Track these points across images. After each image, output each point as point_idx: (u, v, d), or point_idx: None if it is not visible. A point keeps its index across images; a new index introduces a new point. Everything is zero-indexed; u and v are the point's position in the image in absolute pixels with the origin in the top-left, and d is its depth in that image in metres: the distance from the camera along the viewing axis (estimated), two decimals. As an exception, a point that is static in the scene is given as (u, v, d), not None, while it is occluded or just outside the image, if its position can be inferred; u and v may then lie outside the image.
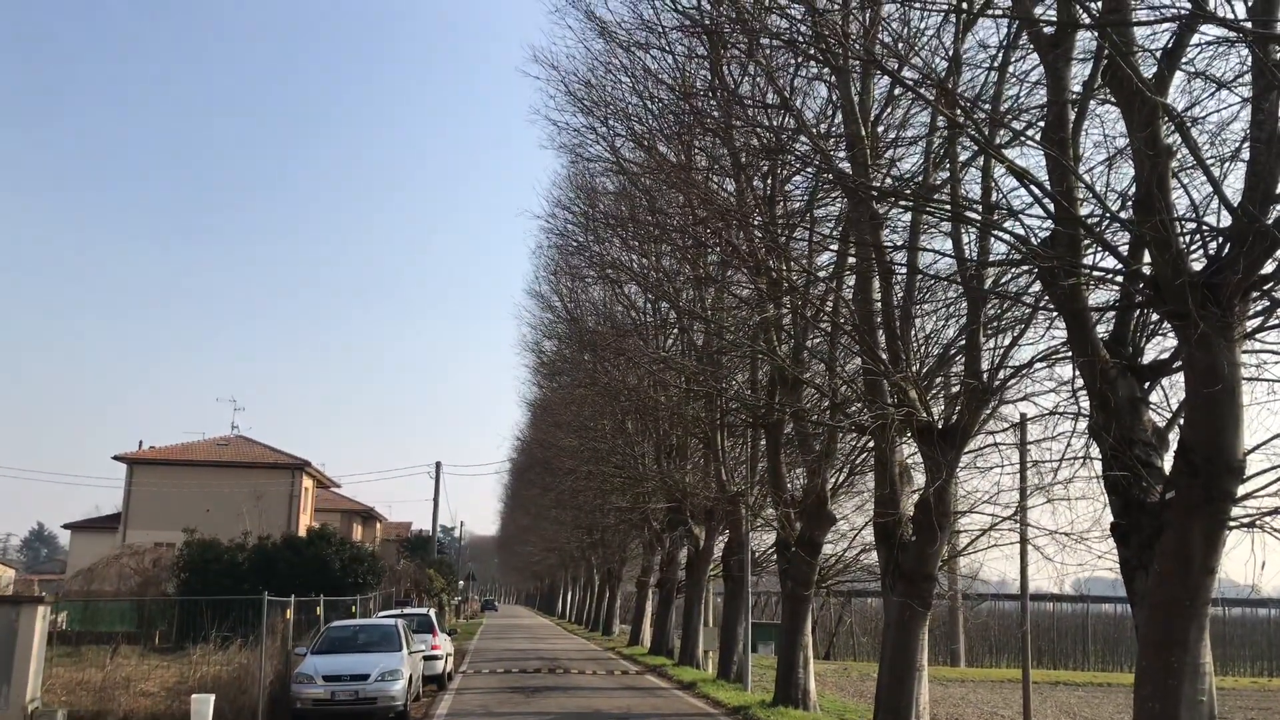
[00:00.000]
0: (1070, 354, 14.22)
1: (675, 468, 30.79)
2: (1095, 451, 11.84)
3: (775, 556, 22.82)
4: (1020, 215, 11.87)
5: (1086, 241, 10.77)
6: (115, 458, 49.87)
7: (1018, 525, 15.38)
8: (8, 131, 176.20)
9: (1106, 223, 10.39)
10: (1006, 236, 12.06)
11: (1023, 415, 16.04)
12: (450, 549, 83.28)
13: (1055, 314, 14.97)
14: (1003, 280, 14.54)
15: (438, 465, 60.89)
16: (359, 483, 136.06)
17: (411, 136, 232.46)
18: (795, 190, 21.95)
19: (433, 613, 26.50)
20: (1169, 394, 11.55)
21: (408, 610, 26.61)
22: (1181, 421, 11.21)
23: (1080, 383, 13.16)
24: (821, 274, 19.39)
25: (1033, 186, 10.36)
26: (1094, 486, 13.53)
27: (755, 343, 20.92)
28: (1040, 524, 15.04)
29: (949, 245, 16.14)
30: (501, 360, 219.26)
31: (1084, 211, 10.93)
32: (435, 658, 22.82)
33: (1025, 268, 12.90)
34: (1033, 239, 11.62)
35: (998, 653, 47.59)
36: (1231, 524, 9.32)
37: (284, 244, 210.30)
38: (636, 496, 33.27)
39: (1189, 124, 9.30)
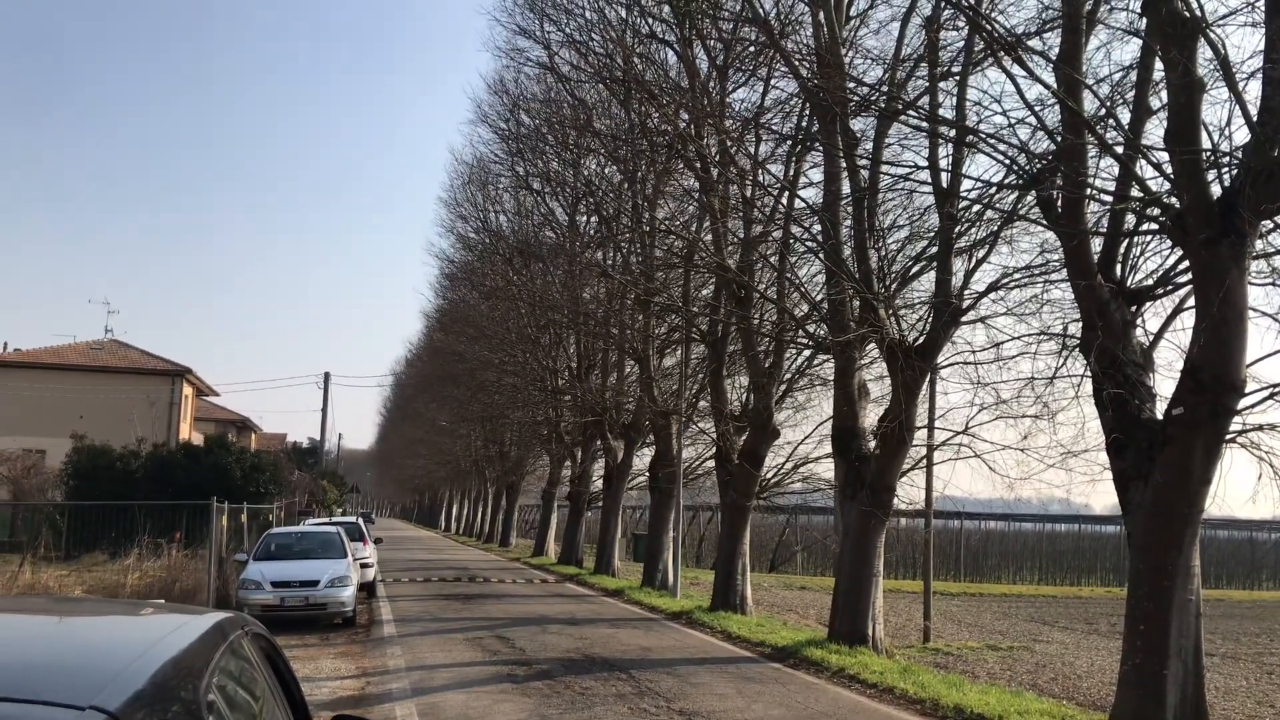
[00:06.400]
0: (1033, 278, 14.91)
1: (597, 382, 30.89)
2: (1076, 370, 12.49)
3: (715, 469, 23.23)
4: (1016, 128, 12.17)
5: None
6: (-25, 360, 46.88)
7: (971, 440, 16.05)
8: None
9: (1122, 150, 10.76)
10: (996, 154, 12.29)
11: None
12: (327, 461, 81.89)
13: (1017, 238, 15.55)
14: (976, 198, 14.86)
15: (326, 376, 59.46)
16: (234, 392, 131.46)
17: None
18: (743, 104, 21.94)
19: (362, 521, 26.17)
20: (1145, 318, 12.23)
21: (336, 519, 26.10)
22: (1163, 342, 11.93)
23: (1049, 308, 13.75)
24: (775, 185, 19.55)
25: (1039, 94, 10.62)
26: (1048, 408, 14.29)
27: (699, 254, 21.02)
28: (993, 440, 15.79)
29: (909, 158, 16.48)
30: (389, 276, 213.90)
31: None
32: (368, 565, 22.61)
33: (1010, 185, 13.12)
34: (1022, 159, 12.01)
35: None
36: (1227, 438, 10.00)
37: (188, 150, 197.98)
38: (553, 410, 33.31)
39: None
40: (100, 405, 44.18)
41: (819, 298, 18.10)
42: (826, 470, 21.97)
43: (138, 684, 1.85)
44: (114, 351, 51.27)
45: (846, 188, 16.27)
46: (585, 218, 29.84)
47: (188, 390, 51.99)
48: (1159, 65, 10.49)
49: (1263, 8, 9.45)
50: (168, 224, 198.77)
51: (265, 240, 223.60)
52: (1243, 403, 9.96)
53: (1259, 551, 50.39)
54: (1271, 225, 10.05)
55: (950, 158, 14.57)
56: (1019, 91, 11.34)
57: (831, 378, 18.61)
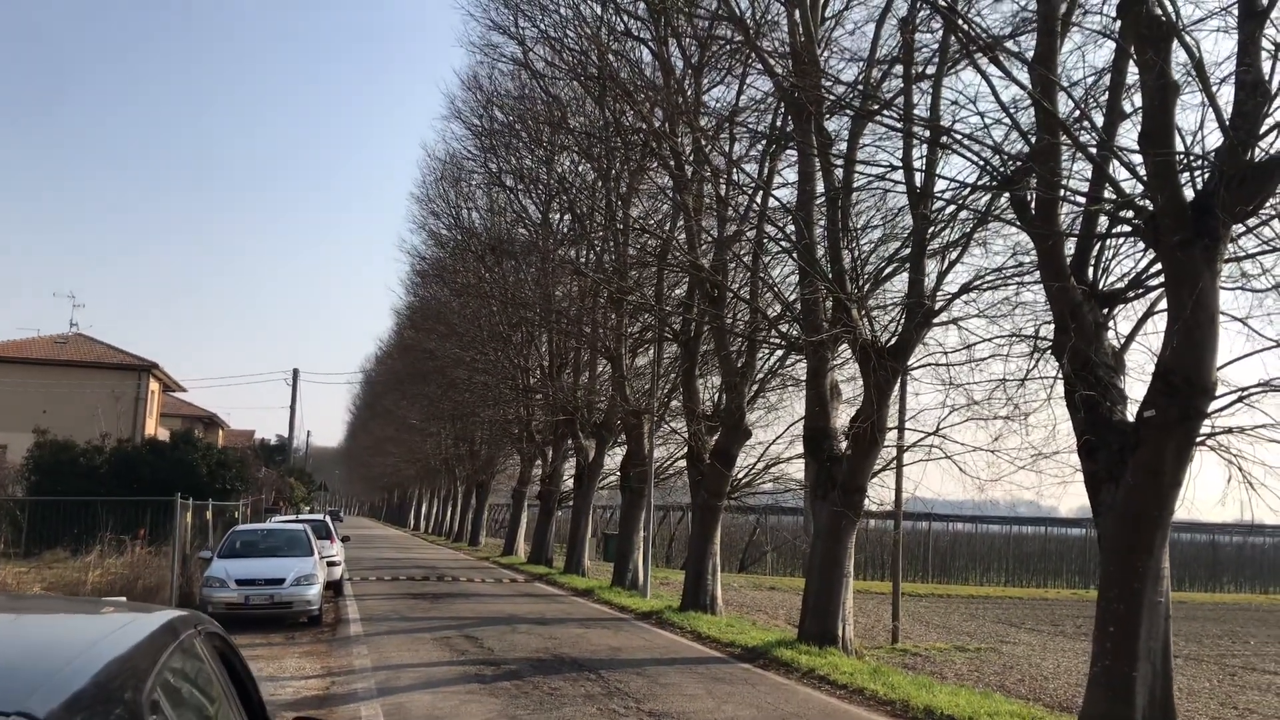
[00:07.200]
0: (1006, 279, 14.95)
1: (569, 381, 30.75)
2: (1048, 372, 12.51)
3: (686, 469, 23.17)
4: (990, 129, 12.22)
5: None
6: (-68, 353, 45.99)
7: (942, 441, 16.05)
8: None
9: (1096, 151, 10.77)
10: (971, 155, 12.27)
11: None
12: (295, 458, 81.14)
13: (990, 239, 15.60)
14: (950, 198, 14.87)
15: (295, 372, 58.94)
16: (201, 388, 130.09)
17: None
18: (718, 104, 21.90)
19: (329, 519, 25.88)
20: (1117, 321, 12.28)
21: (303, 516, 25.82)
22: (1135, 345, 11.97)
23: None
24: (750, 185, 19.52)
25: (1015, 96, 10.62)
26: (1020, 409, 14.30)
27: (673, 252, 20.97)
28: (964, 442, 15.84)
29: (884, 159, 16.47)
30: (360, 273, 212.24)
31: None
32: (335, 563, 22.36)
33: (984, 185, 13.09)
34: (996, 160, 12.01)
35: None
36: (1197, 441, 10.02)
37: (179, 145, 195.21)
38: (524, 409, 33.14)
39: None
40: (64, 400, 43.52)
41: (792, 298, 18.07)
42: (798, 470, 21.98)
43: (74, 686, 1.73)
44: (79, 345, 50.46)
45: (820, 187, 16.23)
46: (558, 215, 29.70)
47: (154, 385, 51.27)
48: (1133, 69, 10.52)
49: (1236, 13, 9.49)
50: (135, 219, 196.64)
51: (235, 236, 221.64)
52: (1213, 406, 9.98)
53: (1220, 554, 51.09)
54: (1243, 229, 10.09)
55: (925, 158, 14.57)
56: (994, 93, 11.39)
57: (804, 378, 18.60)
